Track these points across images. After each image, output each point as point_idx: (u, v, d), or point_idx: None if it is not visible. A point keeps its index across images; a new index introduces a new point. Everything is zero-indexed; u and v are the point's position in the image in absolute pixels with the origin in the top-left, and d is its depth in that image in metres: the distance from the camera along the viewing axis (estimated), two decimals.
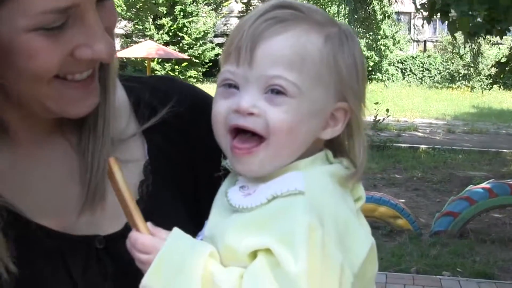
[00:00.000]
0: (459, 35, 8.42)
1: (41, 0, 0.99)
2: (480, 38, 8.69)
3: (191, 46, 33.04)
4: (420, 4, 8.28)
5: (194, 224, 1.26)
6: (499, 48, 32.50)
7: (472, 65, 30.34)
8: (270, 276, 0.98)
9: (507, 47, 9.53)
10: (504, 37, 8.64)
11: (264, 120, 1.06)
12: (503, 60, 8.61)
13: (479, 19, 7.76)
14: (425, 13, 8.07)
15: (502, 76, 8.97)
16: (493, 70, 9.40)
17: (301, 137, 1.10)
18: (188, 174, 1.32)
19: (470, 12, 7.52)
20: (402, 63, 37.33)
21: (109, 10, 1.12)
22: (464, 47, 8.40)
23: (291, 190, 1.04)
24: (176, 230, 1.07)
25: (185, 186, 1.31)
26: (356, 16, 17.02)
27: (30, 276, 1.13)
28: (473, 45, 8.39)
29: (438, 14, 8.05)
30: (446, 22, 8.03)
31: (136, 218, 1.07)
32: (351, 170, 1.15)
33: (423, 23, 8.49)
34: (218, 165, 1.22)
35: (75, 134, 1.22)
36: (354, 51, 1.15)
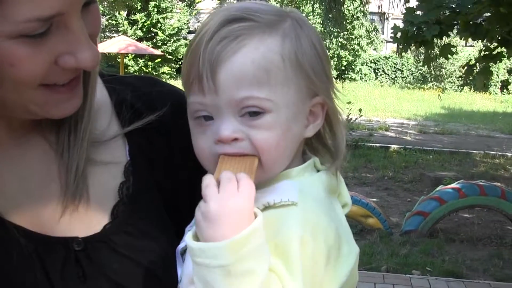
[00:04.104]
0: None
1: (25, 8, 0.94)
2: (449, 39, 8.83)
3: (165, 42, 32.88)
4: (391, 37, 8.35)
5: (174, 227, 1.26)
6: (471, 52, 32.87)
7: (440, 67, 30.62)
8: None
9: (478, 50, 9.63)
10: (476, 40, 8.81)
11: (250, 142, 1.05)
12: (472, 62, 8.74)
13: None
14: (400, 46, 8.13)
15: (470, 78, 9.15)
16: (463, 71, 9.61)
17: (289, 144, 1.10)
18: (167, 177, 1.31)
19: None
20: (375, 63, 37.59)
21: (94, 15, 1.09)
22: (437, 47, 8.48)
23: (284, 201, 1.03)
24: (260, 218, 0.98)
25: (165, 188, 1.30)
26: (330, 16, 17.07)
27: (6, 277, 1.11)
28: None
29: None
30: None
31: None
32: (336, 175, 1.16)
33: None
34: (196, 168, 1.21)
35: (53, 133, 1.20)
36: (311, 38, 1.12)
